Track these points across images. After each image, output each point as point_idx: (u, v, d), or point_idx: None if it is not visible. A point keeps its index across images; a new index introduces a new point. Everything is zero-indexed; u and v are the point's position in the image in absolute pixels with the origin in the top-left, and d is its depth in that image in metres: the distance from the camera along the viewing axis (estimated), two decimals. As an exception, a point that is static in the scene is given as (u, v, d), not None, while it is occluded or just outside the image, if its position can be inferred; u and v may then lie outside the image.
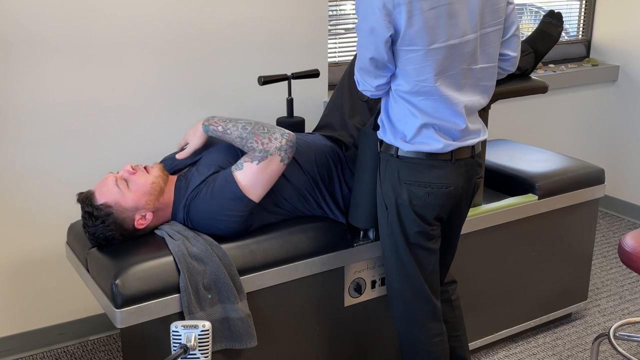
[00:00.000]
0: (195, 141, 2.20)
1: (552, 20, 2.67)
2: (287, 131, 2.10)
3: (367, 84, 1.97)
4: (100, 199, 2.03)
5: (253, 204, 2.07)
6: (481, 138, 2.03)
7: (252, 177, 2.05)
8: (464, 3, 1.85)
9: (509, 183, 2.75)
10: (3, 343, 2.70)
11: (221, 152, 2.19)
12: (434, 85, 1.88)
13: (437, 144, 1.94)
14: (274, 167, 2.07)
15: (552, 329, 2.96)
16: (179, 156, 2.23)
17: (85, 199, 2.04)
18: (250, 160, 2.06)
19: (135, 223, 2.06)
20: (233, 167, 2.07)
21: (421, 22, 1.81)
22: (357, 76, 1.99)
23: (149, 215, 2.07)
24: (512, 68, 2.10)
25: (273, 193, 2.16)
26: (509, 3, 1.98)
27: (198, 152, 2.23)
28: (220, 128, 2.14)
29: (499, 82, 2.39)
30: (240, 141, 2.10)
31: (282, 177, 2.18)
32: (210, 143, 2.25)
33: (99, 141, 2.67)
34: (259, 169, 2.05)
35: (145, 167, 2.11)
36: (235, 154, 2.18)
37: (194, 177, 2.13)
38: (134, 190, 2.05)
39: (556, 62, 4.00)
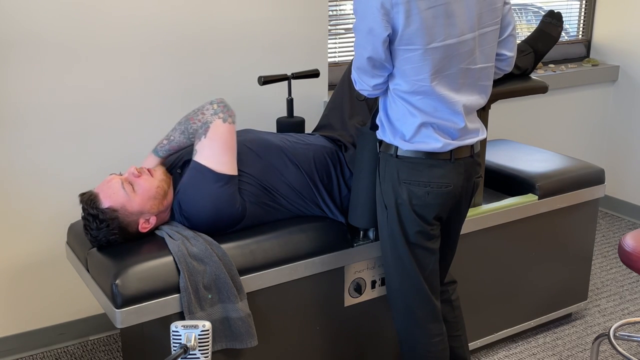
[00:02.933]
0: (148, 165, 2.19)
1: (552, 20, 2.67)
2: (215, 99, 2.13)
3: (364, 84, 1.97)
4: (105, 202, 2.02)
5: (229, 177, 2.06)
6: (480, 137, 2.04)
7: (209, 152, 2.05)
8: (462, 3, 1.85)
9: (509, 183, 2.75)
10: (3, 343, 2.70)
11: None
12: (429, 85, 1.88)
13: (436, 143, 1.94)
14: (221, 130, 2.07)
15: (552, 329, 2.96)
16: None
17: (90, 201, 2.03)
18: (198, 139, 2.08)
19: (140, 227, 2.06)
20: (192, 156, 2.09)
21: (419, 21, 1.81)
22: (354, 75, 1.99)
23: (153, 220, 2.07)
24: (508, 68, 2.10)
25: (272, 190, 2.17)
26: (505, 3, 1.98)
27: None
28: (165, 141, 2.18)
29: (500, 82, 2.40)
30: (185, 136, 2.13)
31: (281, 176, 2.18)
32: None
33: (99, 141, 2.67)
34: (209, 141, 2.06)
35: (148, 170, 2.11)
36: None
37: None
38: (139, 194, 2.04)
39: (556, 62, 4.00)
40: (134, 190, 2.04)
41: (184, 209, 2.09)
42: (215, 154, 2.05)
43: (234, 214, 2.08)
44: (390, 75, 1.94)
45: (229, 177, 2.06)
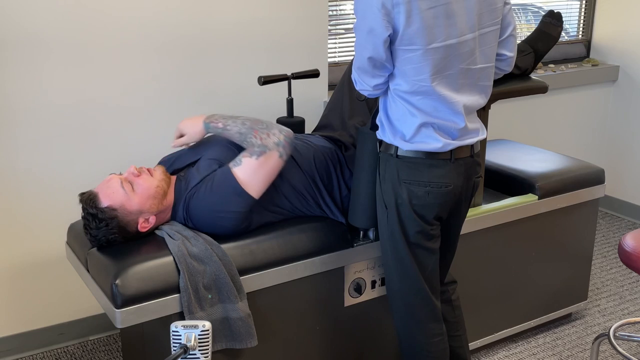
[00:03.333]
0: (193, 136, 2.19)
1: (552, 20, 2.67)
2: (285, 128, 2.12)
3: (364, 84, 1.97)
4: (104, 201, 2.02)
5: (253, 200, 2.07)
6: (480, 137, 2.04)
7: (250, 172, 2.05)
8: (462, 3, 1.85)
9: (509, 183, 2.75)
10: (3, 343, 2.70)
11: (222, 149, 2.18)
12: (430, 85, 1.88)
13: (436, 143, 1.94)
14: (273, 162, 2.07)
15: (552, 329, 2.96)
16: (173, 144, 2.22)
17: (89, 201, 2.03)
18: (249, 155, 2.06)
19: (139, 226, 2.06)
20: (231, 163, 2.07)
21: (420, 21, 1.81)
22: (355, 75, 1.99)
23: (152, 219, 2.07)
24: (508, 68, 2.11)
25: (273, 192, 2.17)
26: (505, 3, 1.98)
27: (198, 152, 2.22)
28: (220, 125, 2.15)
29: (500, 82, 2.40)
30: (239, 136, 2.11)
31: (281, 176, 2.18)
32: (208, 141, 2.25)
33: (99, 141, 2.67)
34: (258, 164, 2.05)
35: (148, 170, 2.11)
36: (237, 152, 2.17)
37: (194, 176, 2.13)
38: (139, 194, 2.04)
39: (556, 62, 4.00)
40: (133, 189, 2.04)
41: (192, 204, 2.08)
42: (253, 177, 2.05)
43: (235, 230, 2.09)
44: (391, 75, 1.94)
45: (251, 199, 2.06)
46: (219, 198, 2.05)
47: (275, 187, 2.17)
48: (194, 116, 2.22)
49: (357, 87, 2.01)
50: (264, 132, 2.08)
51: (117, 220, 2.02)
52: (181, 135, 2.22)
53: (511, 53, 2.07)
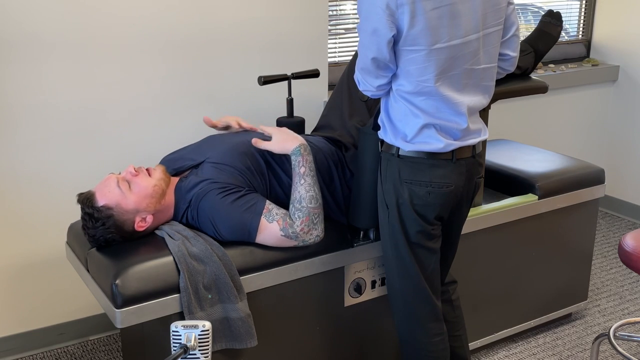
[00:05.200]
0: (276, 146, 2.13)
1: (552, 20, 2.67)
2: (322, 233, 2.11)
3: (368, 84, 1.96)
4: (101, 201, 2.02)
5: (251, 241, 2.08)
6: (482, 138, 2.03)
7: (268, 234, 2.06)
8: (467, 3, 1.85)
9: (509, 183, 2.75)
10: (3, 343, 2.70)
11: (226, 154, 2.16)
12: (434, 86, 1.88)
13: (438, 143, 1.94)
14: (287, 244, 2.09)
15: (552, 329, 2.96)
16: (256, 144, 2.15)
17: (86, 200, 2.03)
18: (281, 227, 2.05)
19: (136, 225, 2.06)
20: (266, 212, 2.05)
21: (424, 22, 1.81)
22: (358, 76, 1.98)
23: (149, 218, 2.07)
24: (511, 68, 2.10)
25: (275, 193, 2.16)
26: (509, 3, 1.98)
27: (201, 154, 2.22)
28: (302, 169, 2.11)
29: (499, 82, 2.40)
30: (296, 197, 2.09)
31: (285, 175, 2.18)
32: (213, 141, 2.25)
33: (99, 141, 2.67)
34: (279, 239, 2.07)
35: (147, 169, 2.11)
36: (244, 160, 2.16)
37: (197, 177, 2.13)
38: (135, 193, 2.04)
39: (556, 62, 4.00)
40: (130, 188, 2.04)
41: (202, 202, 2.08)
42: (267, 238, 2.06)
43: (220, 238, 2.09)
44: (394, 76, 1.93)
45: (252, 239, 2.07)
46: (228, 220, 2.04)
47: (279, 187, 2.17)
48: (293, 134, 2.17)
49: (361, 88, 2.01)
50: (309, 226, 2.07)
51: (113, 219, 2.02)
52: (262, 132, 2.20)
53: (514, 53, 2.06)
